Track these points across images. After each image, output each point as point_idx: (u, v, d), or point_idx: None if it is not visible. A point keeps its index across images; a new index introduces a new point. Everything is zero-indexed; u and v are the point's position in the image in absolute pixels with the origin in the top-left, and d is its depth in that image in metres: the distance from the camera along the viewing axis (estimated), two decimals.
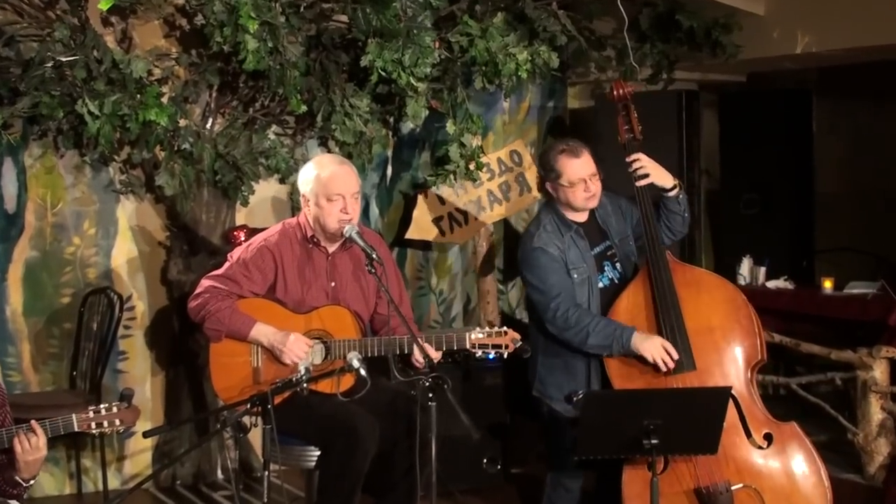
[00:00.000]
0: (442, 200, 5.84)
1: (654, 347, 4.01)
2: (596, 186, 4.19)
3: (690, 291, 4.10)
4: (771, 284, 6.18)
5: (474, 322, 6.23)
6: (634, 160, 4.19)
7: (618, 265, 4.27)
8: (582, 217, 4.25)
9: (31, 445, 3.20)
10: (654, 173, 4.21)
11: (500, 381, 5.42)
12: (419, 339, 3.87)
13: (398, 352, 3.96)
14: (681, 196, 4.26)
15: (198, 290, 4.07)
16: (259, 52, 4.71)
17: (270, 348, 3.99)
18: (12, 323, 5.24)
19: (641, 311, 4.11)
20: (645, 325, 4.09)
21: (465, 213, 5.89)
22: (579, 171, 4.15)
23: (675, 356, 4.01)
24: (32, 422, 3.24)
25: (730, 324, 4.07)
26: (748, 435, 3.96)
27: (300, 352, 3.94)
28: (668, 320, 4.04)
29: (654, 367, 4.02)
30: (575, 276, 4.16)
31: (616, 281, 4.24)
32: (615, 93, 4.30)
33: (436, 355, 3.88)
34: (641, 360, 4.04)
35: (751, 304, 4.11)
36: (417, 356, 3.87)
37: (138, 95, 4.77)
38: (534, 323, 4.29)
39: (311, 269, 4.09)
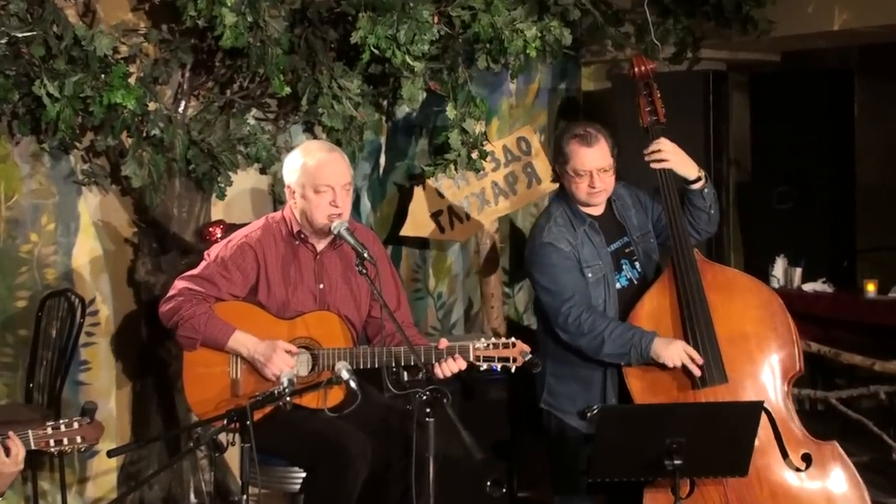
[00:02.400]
0: (441, 193, 5.84)
1: (676, 352, 4.01)
2: (604, 183, 4.19)
3: (721, 295, 4.11)
4: (808, 287, 6.21)
5: (476, 328, 6.24)
6: (653, 144, 4.19)
7: (637, 264, 4.27)
8: (597, 210, 4.26)
9: (11, 456, 3.22)
10: (674, 159, 4.20)
11: (505, 395, 5.42)
12: (417, 349, 3.88)
13: (394, 363, 3.96)
14: (706, 189, 4.25)
15: (171, 293, 4.07)
16: (237, 28, 4.71)
17: (250, 360, 4.00)
18: None
19: (666, 316, 4.11)
20: (669, 332, 4.10)
21: (467, 208, 5.89)
22: (587, 163, 4.16)
23: (699, 361, 4.02)
24: (10, 433, 3.26)
25: (765, 331, 4.07)
26: (784, 455, 3.97)
27: (283, 365, 3.94)
28: (696, 328, 4.05)
29: (680, 378, 4.03)
30: (589, 275, 4.17)
31: (635, 281, 4.24)
32: (636, 70, 4.31)
33: (462, 365, 3.90)
34: (665, 370, 4.04)
35: (788, 311, 4.12)
36: (441, 371, 3.91)
37: (103, 76, 4.76)
38: (543, 326, 4.30)
39: (296, 270, 4.10)
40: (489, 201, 5.91)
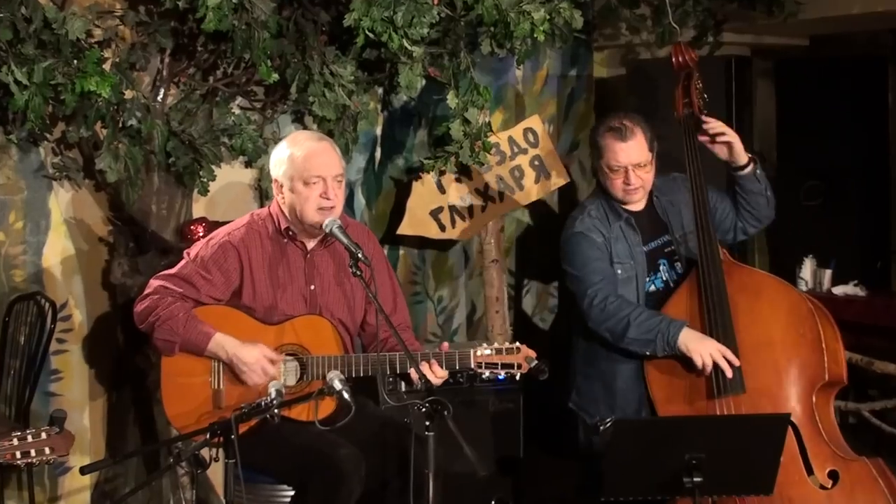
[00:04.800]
0: (442, 189, 5.84)
1: (709, 349, 4.04)
2: (639, 180, 4.32)
3: (748, 298, 4.18)
4: (838, 290, 6.21)
5: (480, 335, 6.24)
6: (715, 123, 4.35)
7: (678, 265, 4.39)
8: (637, 205, 4.40)
9: None
10: (733, 138, 4.37)
11: (511, 407, 5.43)
12: (413, 355, 3.87)
13: (389, 371, 3.96)
14: (758, 171, 4.42)
15: (146, 291, 4.10)
16: (221, 10, 4.71)
17: (229, 364, 4.01)
18: None
19: (690, 320, 4.16)
20: None
21: (469, 205, 5.89)
22: (621, 158, 4.28)
23: (737, 363, 4.06)
24: None
25: (792, 338, 4.14)
26: (809, 472, 3.99)
27: (262, 373, 3.93)
28: (715, 333, 4.11)
29: (699, 385, 4.08)
30: (619, 271, 4.34)
31: (672, 284, 4.38)
32: (675, 59, 4.46)
33: (442, 375, 3.89)
34: (685, 375, 4.09)
35: (821, 315, 4.15)
36: (417, 377, 3.88)
37: (75, 61, 4.75)
38: (574, 325, 4.44)
39: (285, 270, 4.11)
40: (493, 197, 5.90)
